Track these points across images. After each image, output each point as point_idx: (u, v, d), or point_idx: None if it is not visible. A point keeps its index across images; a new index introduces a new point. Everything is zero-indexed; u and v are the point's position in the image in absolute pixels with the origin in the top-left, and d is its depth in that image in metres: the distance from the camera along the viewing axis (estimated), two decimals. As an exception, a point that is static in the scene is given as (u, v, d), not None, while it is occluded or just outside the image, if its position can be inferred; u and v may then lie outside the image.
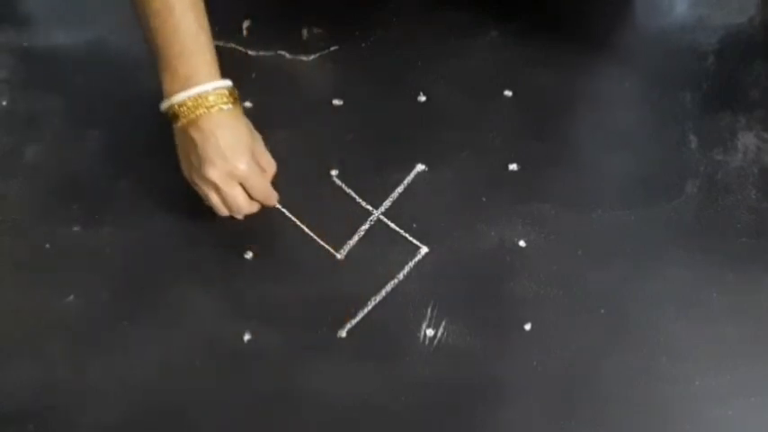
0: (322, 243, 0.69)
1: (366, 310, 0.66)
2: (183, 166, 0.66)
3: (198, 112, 0.62)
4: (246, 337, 0.65)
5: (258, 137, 0.67)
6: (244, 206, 0.65)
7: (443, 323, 0.65)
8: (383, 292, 0.67)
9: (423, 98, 0.76)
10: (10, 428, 0.62)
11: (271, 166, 0.67)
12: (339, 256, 0.69)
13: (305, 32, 0.81)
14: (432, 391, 0.63)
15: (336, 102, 0.77)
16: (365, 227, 0.70)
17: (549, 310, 0.65)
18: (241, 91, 0.76)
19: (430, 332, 0.65)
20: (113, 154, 0.75)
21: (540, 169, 0.72)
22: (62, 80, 0.79)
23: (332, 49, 0.80)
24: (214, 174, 0.62)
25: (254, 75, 0.77)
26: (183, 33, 0.62)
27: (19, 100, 0.79)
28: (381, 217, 0.71)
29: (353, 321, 0.66)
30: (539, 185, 0.71)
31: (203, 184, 0.64)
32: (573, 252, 0.68)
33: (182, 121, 0.63)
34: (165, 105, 0.63)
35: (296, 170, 0.73)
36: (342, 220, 0.70)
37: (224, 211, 0.65)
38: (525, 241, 0.69)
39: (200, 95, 0.62)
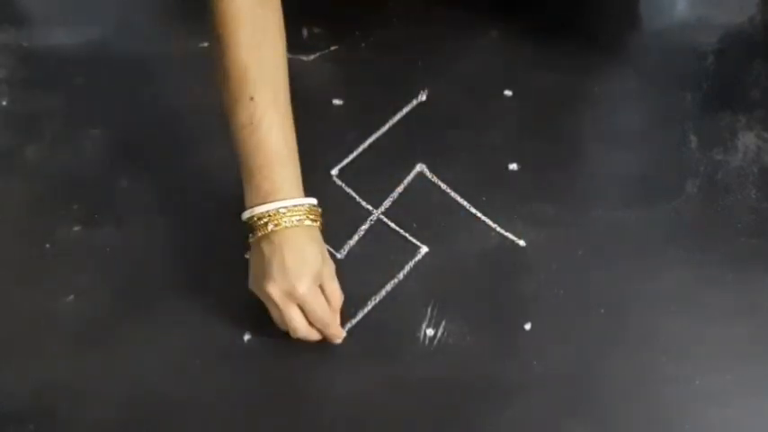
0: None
1: (366, 310, 0.66)
2: (250, 275, 0.63)
3: (273, 227, 0.61)
4: (246, 337, 0.65)
5: (330, 264, 0.64)
6: (300, 329, 0.61)
7: (443, 323, 0.65)
8: (383, 292, 0.67)
9: (423, 98, 0.76)
10: (10, 428, 0.62)
11: (335, 297, 0.63)
12: (339, 256, 0.69)
13: (305, 32, 0.81)
14: (432, 391, 0.63)
15: (336, 102, 0.77)
16: (365, 227, 0.70)
17: (549, 310, 0.65)
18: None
19: (430, 332, 0.65)
20: (113, 154, 0.75)
21: (540, 169, 0.72)
22: (62, 80, 0.79)
23: (332, 49, 0.80)
24: (273, 290, 0.60)
25: (254, 75, 0.77)
26: (267, 149, 0.61)
27: (19, 100, 0.79)
28: (381, 217, 0.71)
29: (353, 321, 0.66)
30: (539, 185, 0.71)
31: (263, 297, 0.62)
32: (573, 252, 0.68)
33: (257, 234, 0.61)
34: (245, 216, 0.62)
35: (296, 170, 0.73)
36: (342, 220, 0.70)
37: (284, 328, 0.63)
38: (525, 241, 0.69)
39: (278, 211, 0.61)
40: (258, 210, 0.61)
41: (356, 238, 0.70)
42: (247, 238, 0.63)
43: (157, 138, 0.75)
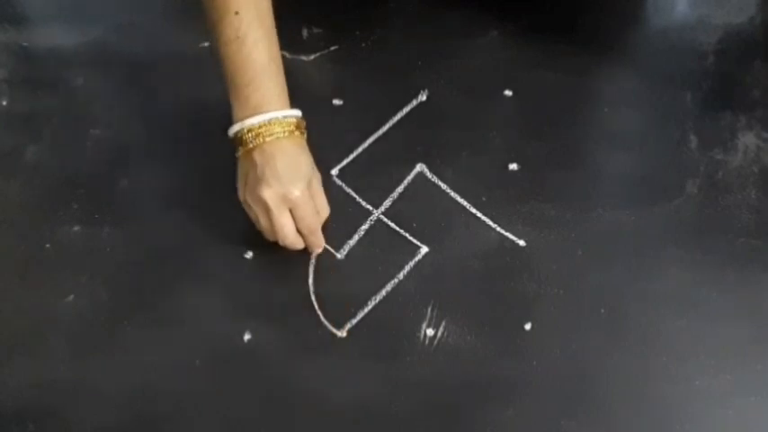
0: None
1: (366, 310, 0.66)
2: (240, 187, 0.65)
3: (265, 138, 0.62)
4: (246, 336, 0.65)
5: (318, 175, 0.67)
6: (290, 235, 0.64)
7: (443, 323, 0.65)
8: (383, 292, 0.67)
9: (423, 98, 0.76)
10: (10, 428, 0.62)
11: (324, 209, 0.67)
12: (339, 256, 0.69)
13: (305, 32, 0.81)
14: (432, 391, 0.63)
15: (336, 102, 0.77)
16: (365, 227, 0.70)
17: (549, 310, 0.65)
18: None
19: (430, 332, 0.65)
20: (113, 154, 0.75)
21: (540, 169, 0.72)
22: (62, 80, 0.79)
23: (332, 49, 0.80)
24: (267, 194, 0.62)
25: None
26: (255, 62, 0.63)
27: (19, 100, 0.79)
28: (381, 217, 0.71)
29: (353, 321, 0.66)
30: (539, 185, 0.71)
31: (256, 204, 0.63)
32: (573, 252, 0.68)
33: (248, 146, 0.63)
34: (234, 130, 0.64)
35: (296, 170, 0.73)
36: (342, 220, 0.70)
37: (271, 237, 0.65)
38: (525, 241, 0.69)
39: (270, 122, 0.63)
40: (249, 122, 0.63)
41: (356, 238, 0.70)
42: (235, 152, 0.65)
43: (157, 138, 0.75)
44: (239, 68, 0.63)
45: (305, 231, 0.65)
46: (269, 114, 0.63)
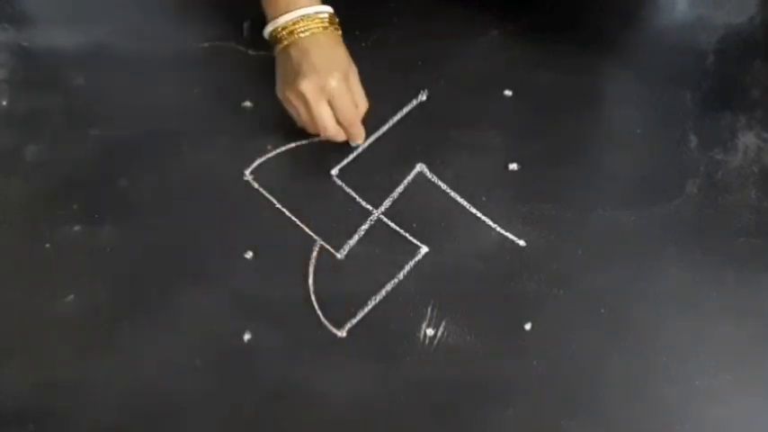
0: (322, 243, 0.69)
1: (366, 310, 0.66)
2: (279, 84, 0.68)
3: (299, 33, 0.65)
4: (246, 336, 0.65)
5: (354, 69, 0.69)
6: (329, 125, 0.66)
7: (443, 323, 0.65)
8: (383, 292, 0.67)
9: (423, 98, 0.76)
10: (10, 428, 0.62)
11: (362, 102, 0.69)
12: (339, 256, 0.69)
13: (305, 32, 0.81)
14: (432, 391, 0.63)
15: (336, 102, 0.77)
16: (365, 227, 0.70)
17: (549, 310, 0.66)
18: (241, 91, 0.76)
19: (430, 332, 0.65)
20: (113, 154, 0.75)
21: (540, 169, 0.72)
22: (62, 80, 0.79)
23: (332, 48, 0.80)
24: (305, 85, 0.64)
25: (254, 75, 0.77)
26: None
27: (19, 100, 0.79)
28: (381, 217, 0.71)
29: (353, 321, 0.66)
30: (539, 185, 0.71)
31: (295, 98, 0.66)
32: (573, 252, 0.68)
33: (284, 42, 0.66)
34: (268, 29, 0.67)
35: (296, 170, 0.73)
36: (342, 220, 0.70)
37: (312, 129, 0.68)
38: (525, 241, 0.69)
39: (302, 18, 0.66)
40: (281, 20, 0.66)
41: (356, 238, 0.70)
42: (272, 52, 0.68)
43: (157, 138, 0.75)
44: None
45: (344, 123, 0.67)
46: (300, 11, 0.65)
